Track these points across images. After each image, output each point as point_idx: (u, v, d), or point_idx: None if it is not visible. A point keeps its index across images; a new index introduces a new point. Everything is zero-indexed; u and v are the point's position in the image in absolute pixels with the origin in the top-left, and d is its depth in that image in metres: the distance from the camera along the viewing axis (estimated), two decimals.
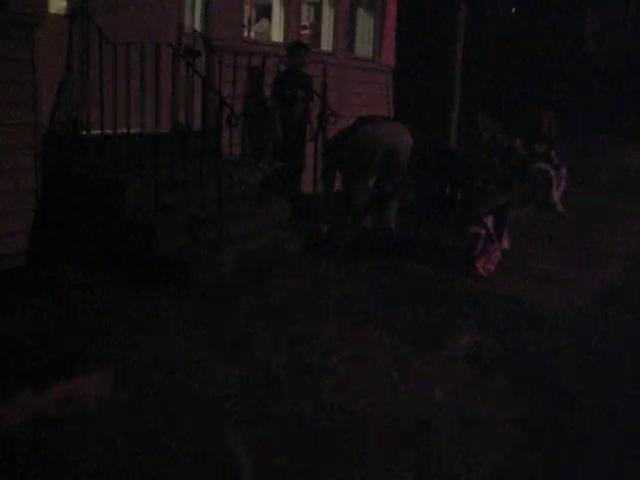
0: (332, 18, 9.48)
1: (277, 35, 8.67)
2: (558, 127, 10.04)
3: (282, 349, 4.38)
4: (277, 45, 8.58)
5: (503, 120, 9.97)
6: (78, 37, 6.18)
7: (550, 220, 8.83)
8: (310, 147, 7.32)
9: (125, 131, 6.09)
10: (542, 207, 9.08)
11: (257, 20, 9.08)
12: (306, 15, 9.89)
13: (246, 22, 8.46)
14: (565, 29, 16.74)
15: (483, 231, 6.40)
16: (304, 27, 9.74)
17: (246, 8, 8.40)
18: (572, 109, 15.10)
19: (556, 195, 9.31)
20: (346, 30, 9.81)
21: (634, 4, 18.84)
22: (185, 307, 4.93)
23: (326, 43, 9.61)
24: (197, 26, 7.54)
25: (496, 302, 5.63)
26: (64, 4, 6.27)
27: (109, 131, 6.04)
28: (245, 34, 8.42)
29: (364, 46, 10.43)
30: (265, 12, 9.00)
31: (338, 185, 7.00)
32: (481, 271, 6.30)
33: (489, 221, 6.51)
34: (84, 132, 6.19)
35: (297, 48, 7.78)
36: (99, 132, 6.13)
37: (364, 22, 10.40)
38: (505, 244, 6.83)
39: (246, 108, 7.74)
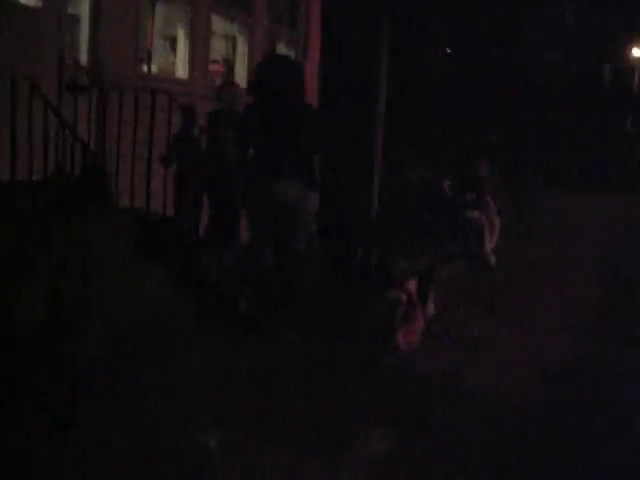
0: (247, 52, 8.68)
1: (182, 70, 7.83)
2: (492, 172, 9.41)
3: None
4: (181, 82, 7.74)
5: (434, 163, 9.27)
6: None
7: (481, 276, 8.10)
8: None
9: None
10: (472, 261, 8.35)
11: (161, 53, 8.24)
12: (220, 49, 9.12)
13: (145, 55, 7.60)
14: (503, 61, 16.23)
15: (404, 296, 5.59)
16: (215, 61, 8.93)
17: (144, 39, 7.56)
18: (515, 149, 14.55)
19: (489, 247, 8.61)
20: None
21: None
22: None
23: (240, 78, 8.79)
24: (83, 58, 6.66)
25: (416, 385, 4.79)
26: None
27: None
28: (145, 68, 7.57)
29: None
30: (172, 44, 8.16)
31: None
32: (401, 344, 5.47)
33: (412, 284, 5.70)
34: None
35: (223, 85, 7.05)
36: None
37: None
38: (430, 309, 6.02)
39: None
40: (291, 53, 9.59)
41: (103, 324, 4.69)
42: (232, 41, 8.91)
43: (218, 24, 8.83)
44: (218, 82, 8.95)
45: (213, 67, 8.66)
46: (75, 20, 6.84)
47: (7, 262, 4.58)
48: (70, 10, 6.77)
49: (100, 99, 6.48)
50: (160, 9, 7.93)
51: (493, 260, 8.49)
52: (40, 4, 6.19)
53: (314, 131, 5.21)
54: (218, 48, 9.07)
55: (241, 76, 8.76)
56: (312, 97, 9.97)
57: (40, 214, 4.97)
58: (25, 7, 6.22)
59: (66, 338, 4.56)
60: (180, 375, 4.51)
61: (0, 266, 4.58)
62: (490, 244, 8.64)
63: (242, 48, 8.73)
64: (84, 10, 6.70)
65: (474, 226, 8.40)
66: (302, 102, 5.33)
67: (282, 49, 9.64)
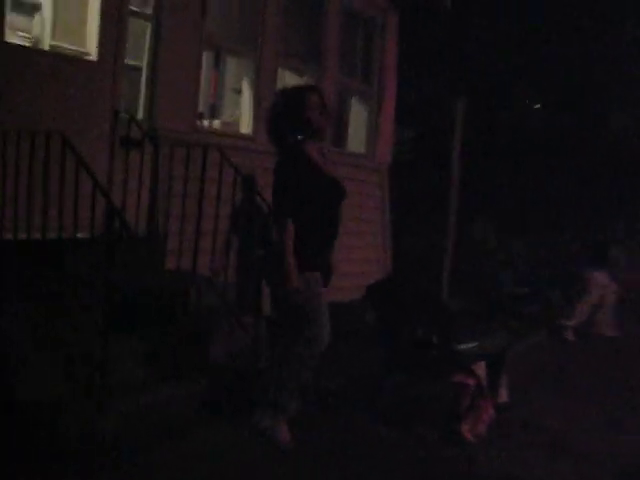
0: None
1: (246, 126, 7.46)
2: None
3: None
4: (246, 137, 7.37)
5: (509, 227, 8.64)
6: None
7: (563, 355, 7.29)
8: None
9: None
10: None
11: (225, 108, 7.94)
12: None
13: (207, 110, 7.30)
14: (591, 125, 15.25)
15: (471, 382, 4.92)
16: None
17: (206, 93, 7.27)
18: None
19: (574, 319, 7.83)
20: (334, 121, 8.58)
21: None
22: None
23: None
24: (140, 113, 6.37)
25: None
26: None
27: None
28: (206, 123, 7.24)
29: (356, 140, 9.20)
30: (236, 98, 7.83)
31: None
32: (468, 436, 4.79)
33: (480, 368, 5.02)
34: None
35: None
36: None
37: (356, 113, 9.21)
38: (503, 396, 5.29)
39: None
40: (364, 108, 9.16)
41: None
42: None
43: (287, 78, 8.50)
44: None
45: None
46: (135, 70, 6.60)
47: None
48: (129, 60, 6.53)
49: (154, 154, 6.14)
50: (224, 61, 7.66)
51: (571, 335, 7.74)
52: (96, 57, 5.94)
53: None
54: None
55: None
56: (387, 154, 9.51)
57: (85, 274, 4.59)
58: (79, 59, 6.00)
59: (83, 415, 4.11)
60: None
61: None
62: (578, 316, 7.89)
63: None
64: (144, 60, 6.43)
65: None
66: None
67: (355, 103, 9.21)
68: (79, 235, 4.51)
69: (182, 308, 5.12)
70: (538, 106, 18.25)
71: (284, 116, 4.23)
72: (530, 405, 5.53)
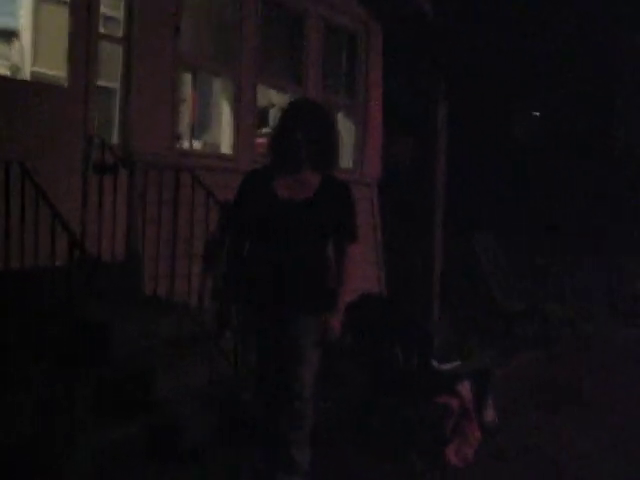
0: None
1: (226, 145, 7.34)
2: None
3: None
4: (225, 157, 7.25)
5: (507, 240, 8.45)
6: None
7: (559, 369, 7.08)
8: None
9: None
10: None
11: (208, 129, 7.81)
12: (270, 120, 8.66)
13: (186, 130, 7.17)
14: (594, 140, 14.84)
15: (456, 403, 4.76)
16: (266, 134, 8.45)
17: (186, 114, 7.15)
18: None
19: None
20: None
21: None
22: None
23: None
24: (114, 137, 6.26)
25: None
26: None
27: None
28: (185, 145, 7.12)
29: (343, 155, 9.05)
30: (216, 118, 7.71)
31: None
32: (454, 459, 4.63)
33: (465, 388, 4.86)
34: None
35: None
36: None
37: (343, 128, 9.06)
38: (489, 416, 5.13)
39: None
40: (351, 123, 9.02)
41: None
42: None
43: (269, 95, 8.39)
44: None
45: (262, 140, 8.17)
46: (109, 94, 6.49)
47: None
48: (102, 82, 6.43)
49: (130, 178, 6.03)
50: (202, 80, 7.54)
51: None
52: (66, 82, 5.83)
53: None
54: (271, 120, 8.60)
55: None
56: (376, 168, 9.36)
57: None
58: (49, 85, 5.90)
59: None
60: None
61: None
62: None
63: None
64: (118, 83, 6.32)
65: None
66: None
67: (341, 119, 9.08)
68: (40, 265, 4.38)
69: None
70: (537, 114, 18.08)
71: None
72: (521, 426, 5.34)
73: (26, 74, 7.18)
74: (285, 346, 3.71)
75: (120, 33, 6.19)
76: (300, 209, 3.72)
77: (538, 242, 10.71)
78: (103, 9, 6.16)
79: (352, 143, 9.03)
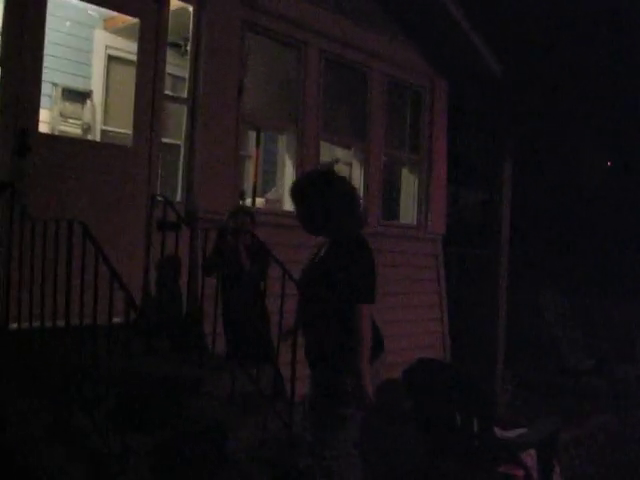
0: (362, 178, 8.13)
1: (289, 202, 7.35)
2: None
3: None
4: (289, 215, 7.26)
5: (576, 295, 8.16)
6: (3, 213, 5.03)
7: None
8: None
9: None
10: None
11: (271, 186, 7.88)
12: None
13: (249, 190, 7.23)
14: None
15: (521, 473, 4.55)
16: None
17: (249, 171, 7.24)
18: None
19: None
20: (381, 192, 8.41)
21: None
22: None
23: None
24: (178, 196, 6.35)
25: None
26: None
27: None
28: (248, 202, 7.17)
29: (407, 211, 8.99)
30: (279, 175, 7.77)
31: None
32: None
33: (530, 457, 4.64)
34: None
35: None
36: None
37: (407, 183, 9.03)
38: None
39: None
40: (415, 178, 8.97)
41: None
42: (349, 168, 8.42)
43: (334, 151, 8.43)
44: None
45: None
46: (174, 153, 6.62)
47: None
48: (168, 140, 6.57)
49: (193, 236, 6.08)
50: (265, 138, 7.63)
51: None
52: (131, 142, 5.98)
53: None
54: None
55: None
56: (440, 224, 9.25)
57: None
58: (114, 146, 6.06)
59: None
60: None
61: None
62: None
63: (358, 174, 8.20)
64: (182, 142, 6.44)
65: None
66: None
67: (405, 174, 9.04)
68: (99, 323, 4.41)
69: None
70: (609, 164, 17.63)
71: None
72: None
73: (96, 133, 7.43)
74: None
75: (185, 94, 6.33)
76: (311, 270, 4.00)
77: (608, 298, 10.34)
78: (169, 69, 6.34)
79: (416, 199, 8.96)
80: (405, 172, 9.09)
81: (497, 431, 4.75)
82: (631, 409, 7.53)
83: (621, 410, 7.29)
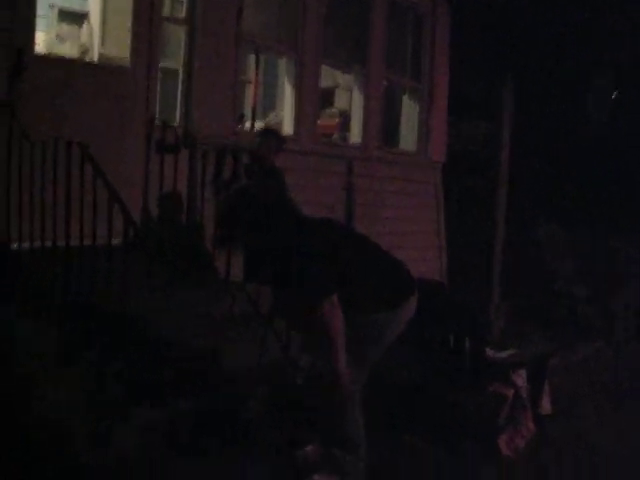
0: (362, 103, 8.06)
1: (288, 126, 7.34)
2: None
3: None
4: (287, 138, 7.24)
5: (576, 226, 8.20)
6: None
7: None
8: None
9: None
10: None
11: (271, 110, 7.84)
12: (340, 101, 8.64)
13: (249, 113, 7.19)
14: None
15: (511, 392, 4.67)
16: (331, 115, 8.43)
17: (247, 94, 7.18)
18: None
19: None
20: (381, 118, 8.36)
21: None
22: None
23: (356, 131, 8.18)
24: (177, 118, 6.32)
25: None
26: None
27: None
28: (247, 126, 7.15)
29: (408, 138, 8.96)
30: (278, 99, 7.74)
31: None
32: (506, 450, 4.55)
33: (520, 377, 4.76)
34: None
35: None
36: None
37: (408, 110, 8.97)
38: (545, 408, 5.01)
39: None
40: (416, 105, 8.90)
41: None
42: (349, 93, 8.36)
43: (335, 75, 8.35)
44: (335, 136, 8.48)
45: (326, 121, 8.14)
46: (172, 75, 6.56)
47: None
48: (166, 64, 6.51)
49: (192, 159, 6.09)
50: (265, 62, 7.55)
51: None
52: (128, 64, 5.92)
53: None
54: (337, 100, 8.60)
55: (357, 129, 8.15)
56: (440, 152, 9.23)
57: None
58: (112, 66, 6.01)
59: None
60: None
61: None
62: None
63: (358, 100, 8.14)
64: (180, 64, 6.38)
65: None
66: None
67: (406, 101, 8.97)
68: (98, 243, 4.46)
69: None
70: (615, 94, 17.30)
71: None
72: (578, 420, 5.19)
73: (94, 55, 7.34)
74: None
75: (183, 14, 6.24)
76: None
77: (610, 227, 10.35)
78: None
79: (416, 126, 8.92)
80: (406, 99, 9.03)
81: (489, 351, 4.87)
82: (624, 339, 7.66)
83: (614, 339, 7.41)
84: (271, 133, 6.22)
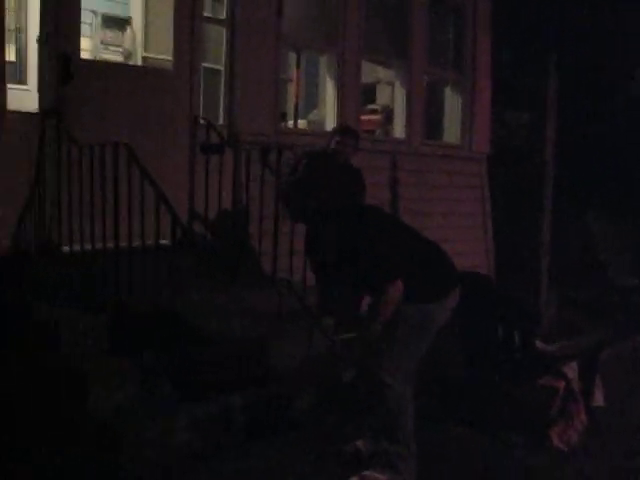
0: (405, 97, 8.03)
1: (330, 123, 7.34)
2: None
3: None
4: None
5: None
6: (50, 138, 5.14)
7: None
8: None
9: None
10: None
11: (312, 108, 7.86)
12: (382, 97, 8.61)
13: (291, 110, 7.23)
14: None
15: (562, 384, 4.62)
16: (374, 111, 8.41)
17: (289, 92, 7.21)
18: None
19: None
20: (424, 111, 8.31)
21: None
22: None
23: (399, 127, 8.16)
24: (220, 118, 6.38)
25: None
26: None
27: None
28: (290, 124, 7.18)
29: (451, 131, 8.90)
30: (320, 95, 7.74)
31: None
32: (558, 443, 4.50)
33: (571, 370, 4.70)
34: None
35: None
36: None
37: (451, 103, 8.90)
38: (598, 400, 4.93)
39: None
40: (458, 97, 8.83)
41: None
42: (391, 88, 8.33)
43: (376, 71, 8.33)
44: (377, 132, 8.46)
45: (368, 117, 8.13)
46: (215, 74, 6.62)
47: None
48: (209, 64, 6.57)
49: (236, 158, 6.14)
50: (306, 59, 7.57)
51: None
52: (171, 65, 5.99)
53: None
54: (379, 96, 8.57)
55: (400, 124, 8.12)
56: (484, 143, 9.14)
57: None
58: (156, 70, 6.09)
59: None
60: None
61: None
62: None
63: (400, 94, 8.11)
64: (222, 65, 6.43)
65: None
66: None
67: (449, 93, 8.91)
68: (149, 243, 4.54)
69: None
70: None
71: None
72: (631, 411, 5.11)
73: (138, 59, 7.46)
74: None
75: (223, 15, 6.29)
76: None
77: None
78: None
79: (459, 118, 8.84)
80: (448, 91, 8.96)
81: (539, 344, 4.82)
82: None
83: None
84: (350, 131, 6.13)
